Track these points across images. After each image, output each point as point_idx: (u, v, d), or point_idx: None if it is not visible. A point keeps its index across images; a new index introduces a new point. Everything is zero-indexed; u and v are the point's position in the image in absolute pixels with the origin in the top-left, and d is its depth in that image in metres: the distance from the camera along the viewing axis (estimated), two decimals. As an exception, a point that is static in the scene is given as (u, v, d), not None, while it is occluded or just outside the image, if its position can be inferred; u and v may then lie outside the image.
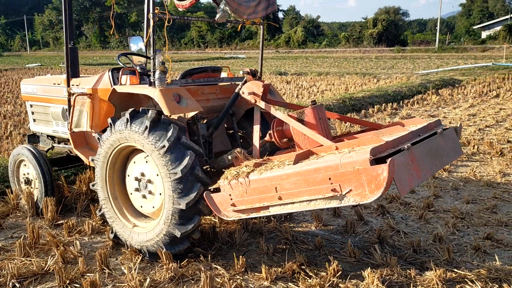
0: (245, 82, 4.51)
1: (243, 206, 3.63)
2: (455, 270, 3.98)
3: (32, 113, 5.98)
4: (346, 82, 20.16)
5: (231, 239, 4.60)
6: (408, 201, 5.74)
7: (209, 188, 3.88)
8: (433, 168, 3.74)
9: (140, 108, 4.09)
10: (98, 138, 4.42)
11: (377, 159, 3.08)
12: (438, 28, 58.00)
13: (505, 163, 7.32)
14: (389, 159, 2.90)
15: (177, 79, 4.52)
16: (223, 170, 4.04)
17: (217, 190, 3.82)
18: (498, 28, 58.89)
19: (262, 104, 4.35)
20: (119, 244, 4.53)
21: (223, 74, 5.24)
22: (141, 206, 4.38)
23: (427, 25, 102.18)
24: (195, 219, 3.95)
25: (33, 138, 6.13)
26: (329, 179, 3.16)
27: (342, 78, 22.99)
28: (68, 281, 3.80)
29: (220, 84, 4.90)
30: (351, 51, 58.88)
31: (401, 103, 14.10)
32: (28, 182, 5.58)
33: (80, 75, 5.41)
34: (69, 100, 5.02)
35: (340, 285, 3.77)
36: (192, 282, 3.88)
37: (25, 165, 5.58)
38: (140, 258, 4.25)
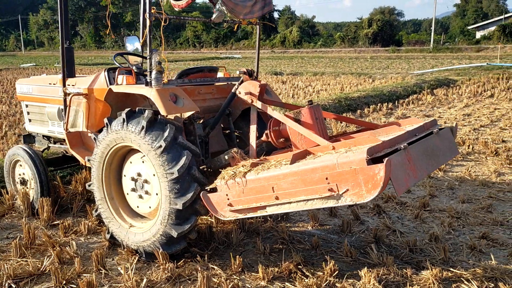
0: (242, 82, 4.51)
1: (240, 206, 3.63)
2: (451, 269, 4.00)
3: (28, 113, 5.96)
4: (342, 82, 20.20)
5: (228, 239, 4.60)
6: (404, 200, 5.76)
7: (206, 188, 3.88)
8: (429, 168, 3.76)
9: (137, 108, 4.08)
10: (94, 138, 4.41)
11: (373, 159, 3.09)
12: (433, 28, 58.20)
13: (500, 162, 7.36)
14: (386, 158, 2.91)
15: (173, 79, 4.52)
16: (220, 170, 4.04)
17: (214, 190, 3.82)
18: (493, 28, 59.22)
19: (258, 104, 4.35)
20: (116, 244, 4.52)
21: (220, 74, 5.24)
22: (138, 206, 4.37)
23: (422, 25, 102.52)
24: (192, 219, 3.95)
25: (29, 138, 6.10)
26: (326, 178, 3.17)
27: (337, 78, 23.03)
28: (64, 282, 3.79)
29: (217, 84, 4.90)
30: (346, 51, 59.00)
31: (396, 103, 14.14)
32: (23, 182, 5.56)
33: (76, 75, 5.39)
34: (65, 100, 5.01)
35: (337, 284, 3.78)
36: (189, 282, 3.88)
37: (20, 165, 5.56)
38: (136, 258, 4.25)
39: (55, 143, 5.76)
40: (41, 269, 4.07)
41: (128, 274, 3.82)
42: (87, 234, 4.88)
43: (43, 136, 5.86)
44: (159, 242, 4.03)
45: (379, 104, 13.34)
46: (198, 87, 4.66)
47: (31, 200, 5.43)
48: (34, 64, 41.91)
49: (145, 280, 3.81)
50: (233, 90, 4.52)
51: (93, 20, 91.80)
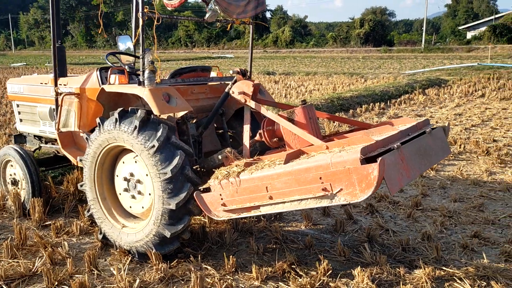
0: (235, 81, 4.51)
1: (234, 206, 3.63)
2: (444, 268, 4.02)
3: (19, 113, 5.91)
4: (334, 82, 20.25)
5: (221, 239, 4.60)
6: (397, 200, 5.79)
7: (199, 188, 3.86)
8: (422, 167, 3.78)
9: (129, 108, 4.06)
10: (87, 138, 4.38)
11: (367, 159, 3.09)
12: (424, 28, 58.58)
13: (491, 162, 7.41)
14: (380, 158, 2.92)
15: (166, 78, 4.50)
16: (213, 170, 4.03)
17: (207, 190, 3.81)
18: (483, 28, 59.70)
19: (252, 104, 4.35)
20: (108, 245, 4.49)
21: (213, 74, 5.23)
22: (130, 207, 4.35)
23: (413, 26, 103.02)
24: (185, 219, 3.93)
25: (20, 138, 6.05)
26: (320, 178, 3.17)
27: (330, 78, 23.09)
28: (56, 283, 3.76)
29: (210, 83, 4.89)
30: (338, 51, 59.19)
31: (388, 102, 14.20)
32: (14, 182, 5.51)
33: (68, 75, 5.36)
34: (56, 100, 4.97)
35: (330, 284, 3.79)
36: (182, 282, 3.86)
37: (11, 165, 5.51)
38: (129, 259, 4.22)
39: (46, 143, 5.71)
40: (33, 270, 4.03)
41: (120, 274, 3.79)
42: (79, 235, 4.84)
43: (35, 136, 5.81)
44: (152, 243, 4.01)
45: (371, 104, 13.39)
46: (191, 87, 4.65)
47: (22, 201, 5.38)
48: (25, 63, 41.55)
49: (138, 280, 3.79)
50: (226, 90, 4.51)
51: (84, 19, 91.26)
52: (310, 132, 3.98)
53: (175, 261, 4.14)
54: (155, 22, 3.89)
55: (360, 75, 23.67)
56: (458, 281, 3.80)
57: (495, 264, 4.11)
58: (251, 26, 5.10)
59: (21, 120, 5.92)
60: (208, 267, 4.05)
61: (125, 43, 5.12)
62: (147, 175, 4.01)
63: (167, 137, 3.85)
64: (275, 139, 4.29)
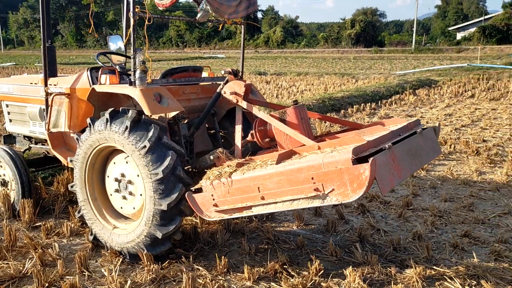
0: (227, 82, 4.50)
1: (226, 206, 3.62)
2: (434, 267, 4.04)
3: (8, 113, 5.85)
4: (325, 82, 20.31)
5: (213, 240, 4.59)
6: (388, 200, 5.82)
7: (191, 188, 3.85)
8: (413, 167, 3.80)
9: (120, 108, 4.04)
10: (77, 139, 4.35)
11: (359, 159, 3.10)
12: (414, 29, 58.94)
13: (481, 162, 7.48)
14: (371, 158, 2.93)
15: (157, 78, 4.48)
16: (205, 170, 4.02)
17: (199, 190, 3.80)
18: (473, 29, 60.28)
19: (244, 104, 4.34)
20: (99, 246, 4.47)
21: (204, 74, 5.22)
22: (121, 208, 4.32)
23: (403, 26, 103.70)
24: (177, 220, 3.92)
25: (9, 139, 6.00)
26: (312, 178, 3.17)
27: (321, 78, 23.15)
28: (47, 284, 3.73)
29: (201, 83, 4.88)
30: (329, 51, 59.40)
31: (379, 103, 14.27)
32: (4, 183, 5.46)
33: (58, 75, 5.32)
34: (46, 100, 4.93)
35: (322, 284, 3.79)
36: (174, 283, 3.85)
37: (1, 166, 5.45)
38: (120, 260, 4.20)
39: (36, 143, 5.67)
40: (23, 271, 3.99)
41: (112, 276, 3.77)
42: (69, 236, 4.81)
43: (24, 136, 5.76)
44: (144, 243, 3.99)
45: (362, 104, 13.45)
46: (182, 87, 4.63)
47: (12, 202, 5.33)
48: (14, 63, 41.16)
49: (129, 282, 3.77)
50: (218, 90, 4.51)
51: (74, 19, 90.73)
52: (301, 132, 3.99)
53: (166, 262, 4.12)
54: (146, 22, 3.87)
55: (351, 75, 23.76)
56: (449, 280, 3.82)
57: (485, 263, 4.14)
58: (242, 26, 5.10)
59: (10, 121, 5.86)
60: (200, 268, 4.04)
61: (116, 43, 5.09)
62: (138, 175, 3.99)
63: (159, 137, 3.84)
64: (267, 140, 4.29)
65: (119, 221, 4.39)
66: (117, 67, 4.68)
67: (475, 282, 3.82)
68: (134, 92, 3.94)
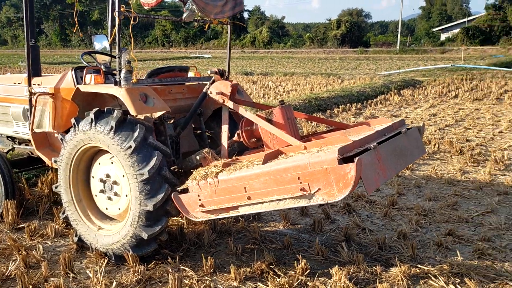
0: (213, 81, 4.49)
1: (212, 206, 3.62)
2: (419, 266, 4.08)
3: (-9, 113, 5.76)
4: (311, 83, 20.39)
5: (199, 240, 4.58)
6: (373, 199, 5.86)
7: (177, 189, 3.84)
8: (398, 167, 3.83)
9: (105, 108, 4.00)
10: (61, 139, 4.30)
11: (344, 158, 3.12)
12: (399, 30, 59.53)
13: (465, 161, 7.57)
14: (357, 158, 2.95)
15: (143, 78, 4.45)
16: (191, 170, 4.01)
17: (185, 190, 3.79)
18: (456, 30, 61.10)
19: (230, 104, 4.34)
20: (84, 247, 4.43)
21: (190, 74, 5.20)
22: (107, 208, 4.29)
23: (388, 27, 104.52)
24: (163, 221, 3.90)
25: (-8, 139, 5.90)
26: (298, 178, 3.19)
27: (307, 78, 23.23)
28: (31, 286, 3.68)
29: (188, 83, 4.86)
30: (315, 51, 59.66)
31: (365, 103, 14.36)
32: (-14, 185, 5.37)
33: (42, 74, 5.25)
34: (30, 100, 4.87)
35: (308, 283, 3.81)
36: (160, 284, 3.83)
37: (-17, 167, 5.36)
38: (105, 261, 4.16)
39: (20, 144, 5.59)
40: (6, 274, 3.94)
41: (97, 277, 3.74)
42: (54, 237, 4.75)
43: (8, 137, 5.68)
44: (129, 244, 3.96)
45: (348, 104, 13.52)
46: (168, 87, 4.61)
47: (-6, 203, 5.25)
48: (-3, 62, 40.57)
49: (114, 283, 3.74)
50: (204, 90, 4.49)
51: (58, 18, 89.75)
52: (288, 132, 4.00)
53: (152, 263, 4.10)
54: (132, 21, 3.85)
55: (337, 75, 23.90)
56: (433, 278, 3.87)
57: (468, 261, 4.20)
58: (229, 26, 5.09)
59: (-7, 121, 5.77)
60: (186, 269, 4.03)
61: (101, 43, 5.05)
62: (123, 176, 3.96)
63: (144, 137, 3.82)
64: (253, 140, 4.30)
65: (104, 222, 4.35)
66: (102, 66, 4.64)
67: (459, 280, 3.87)
68: (120, 92, 3.91)
